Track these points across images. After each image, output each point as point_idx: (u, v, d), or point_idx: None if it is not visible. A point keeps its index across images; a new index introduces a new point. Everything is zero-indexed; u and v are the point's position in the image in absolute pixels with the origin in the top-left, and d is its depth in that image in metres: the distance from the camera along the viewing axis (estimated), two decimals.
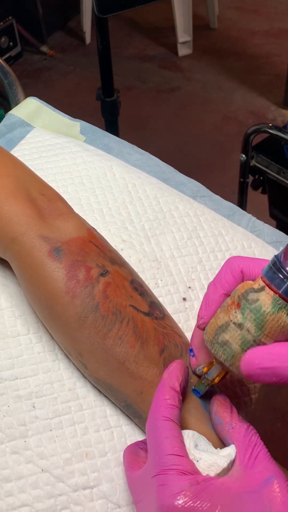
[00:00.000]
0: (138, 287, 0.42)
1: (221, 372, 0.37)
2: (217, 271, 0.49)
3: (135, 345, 0.39)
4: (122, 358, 0.39)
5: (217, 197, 0.57)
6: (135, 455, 0.37)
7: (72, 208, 0.45)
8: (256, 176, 1.02)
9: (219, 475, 0.33)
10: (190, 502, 0.30)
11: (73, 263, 0.40)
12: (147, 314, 0.41)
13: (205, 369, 0.38)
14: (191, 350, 0.40)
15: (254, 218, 0.56)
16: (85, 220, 0.45)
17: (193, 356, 0.39)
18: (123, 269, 0.43)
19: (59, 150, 0.57)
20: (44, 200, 0.43)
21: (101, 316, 0.39)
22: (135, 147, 0.60)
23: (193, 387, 0.39)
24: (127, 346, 0.39)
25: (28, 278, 0.41)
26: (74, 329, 0.40)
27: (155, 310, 0.42)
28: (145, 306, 0.41)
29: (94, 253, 0.41)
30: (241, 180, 1.03)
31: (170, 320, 0.43)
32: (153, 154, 0.60)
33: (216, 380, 0.37)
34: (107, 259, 0.42)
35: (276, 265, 0.33)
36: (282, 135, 0.91)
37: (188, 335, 0.45)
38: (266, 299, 0.33)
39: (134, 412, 0.40)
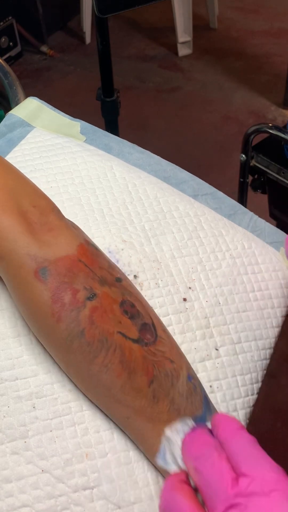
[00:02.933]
0: (129, 309, 0.40)
1: None
2: (217, 271, 0.49)
3: (122, 374, 0.38)
4: (108, 385, 0.38)
5: (220, 194, 0.57)
6: None
7: (65, 220, 0.43)
8: (256, 176, 1.02)
9: None
10: None
11: (59, 285, 0.39)
12: (136, 341, 0.39)
13: None
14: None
15: (256, 217, 0.56)
16: (79, 232, 0.44)
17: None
18: (114, 289, 0.41)
19: (60, 150, 0.57)
20: (35, 212, 0.42)
21: (86, 342, 0.38)
22: (136, 146, 0.60)
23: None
24: (113, 374, 0.38)
25: (16, 296, 0.41)
26: (62, 351, 0.39)
27: (145, 335, 0.40)
28: (135, 331, 0.39)
29: (82, 274, 0.40)
30: (241, 180, 1.03)
31: (162, 342, 0.41)
32: None
33: None
34: (96, 280, 0.40)
35: None
36: (282, 135, 0.91)
37: (189, 335, 0.45)
38: None
39: (124, 429, 0.40)
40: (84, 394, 0.41)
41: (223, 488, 0.31)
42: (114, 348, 0.38)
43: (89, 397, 0.40)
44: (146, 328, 0.40)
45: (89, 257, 0.41)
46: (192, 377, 0.41)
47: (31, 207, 0.42)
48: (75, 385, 0.41)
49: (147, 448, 0.38)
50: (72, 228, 0.43)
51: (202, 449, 0.34)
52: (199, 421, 0.38)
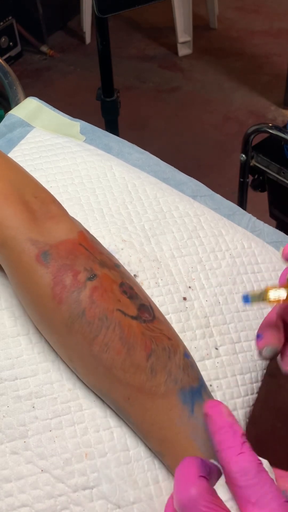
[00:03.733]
0: (128, 290, 0.41)
1: (285, 299, 0.36)
2: (217, 271, 0.49)
3: (121, 351, 0.38)
4: (109, 364, 0.38)
5: (218, 196, 0.57)
6: None
7: (65, 211, 0.44)
8: (256, 176, 1.02)
9: None
10: None
11: (61, 268, 0.39)
12: (135, 318, 0.40)
13: (269, 288, 0.37)
14: (258, 335, 0.40)
15: (254, 218, 0.56)
16: (79, 223, 0.44)
17: (260, 339, 0.40)
18: (113, 272, 0.42)
19: (59, 150, 0.57)
20: (36, 202, 0.43)
21: (87, 322, 0.38)
22: (135, 147, 0.60)
23: (244, 294, 0.39)
24: (113, 352, 0.38)
25: (17, 282, 0.41)
26: (62, 335, 0.39)
27: (143, 313, 0.41)
28: (134, 309, 0.40)
29: (83, 256, 0.41)
30: (241, 180, 1.03)
31: (160, 322, 0.42)
32: (153, 154, 0.60)
33: (274, 301, 0.36)
34: (96, 262, 0.41)
35: None
36: (282, 135, 0.91)
37: (188, 334, 0.45)
38: None
39: (124, 415, 0.40)
40: (85, 393, 0.41)
41: None
42: (114, 325, 0.39)
43: (90, 383, 0.40)
44: (144, 308, 0.41)
45: (89, 243, 0.42)
46: (189, 355, 0.41)
47: (32, 197, 0.43)
48: (75, 384, 0.41)
49: (150, 426, 0.38)
50: (72, 217, 0.44)
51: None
52: (195, 393, 0.39)
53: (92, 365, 0.39)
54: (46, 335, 0.41)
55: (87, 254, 0.41)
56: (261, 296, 0.37)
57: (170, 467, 0.39)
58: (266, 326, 0.41)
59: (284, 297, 0.36)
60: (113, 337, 0.38)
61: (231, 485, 0.32)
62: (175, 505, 0.32)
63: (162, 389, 0.38)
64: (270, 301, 0.36)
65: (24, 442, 0.39)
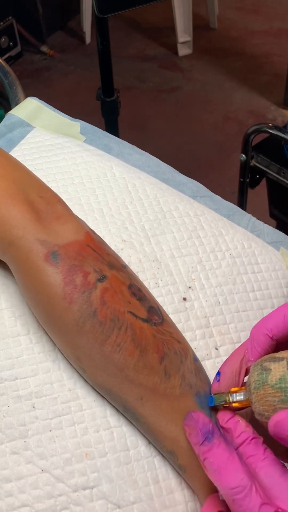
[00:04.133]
0: (137, 292, 0.41)
1: (246, 402, 0.36)
2: (217, 271, 0.49)
3: (134, 352, 0.38)
4: (121, 365, 0.38)
5: (218, 197, 0.57)
6: None
7: (71, 210, 0.44)
8: (256, 176, 1.02)
9: None
10: None
11: (70, 268, 0.39)
12: (146, 321, 0.40)
13: (234, 389, 0.37)
14: (218, 373, 0.39)
15: (254, 218, 0.56)
16: (84, 222, 0.45)
17: (218, 380, 0.39)
18: (121, 274, 0.42)
19: (59, 150, 0.57)
20: (42, 202, 0.43)
21: (99, 322, 0.38)
22: (135, 148, 0.60)
23: (211, 394, 0.39)
24: (125, 353, 0.38)
25: (25, 282, 0.41)
26: (72, 334, 0.39)
27: (153, 316, 0.41)
28: (144, 312, 0.40)
29: (91, 258, 0.41)
30: (241, 180, 1.03)
31: (168, 325, 0.42)
32: (153, 154, 0.60)
33: (236, 405, 0.36)
34: (105, 264, 0.41)
35: None
36: (282, 135, 0.91)
37: (188, 334, 0.45)
38: None
39: (132, 415, 0.39)
40: (86, 393, 0.41)
41: None
42: (125, 327, 0.39)
43: (99, 383, 0.40)
44: (153, 310, 0.41)
45: (96, 244, 0.42)
46: (197, 359, 0.42)
47: (38, 197, 0.43)
48: (75, 384, 0.41)
49: (162, 427, 0.38)
50: (77, 217, 0.44)
51: (236, 479, 0.33)
52: (207, 397, 0.39)
53: (102, 365, 0.39)
54: (52, 334, 0.41)
55: (95, 255, 0.41)
56: (223, 398, 0.37)
57: (182, 466, 0.39)
58: (227, 370, 0.39)
59: (244, 401, 0.36)
60: (125, 338, 0.38)
61: (261, 489, 0.33)
62: None
63: (178, 391, 0.39)
64: (232, 405, 0.36)
65: (24, 442, 0.39)
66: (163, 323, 0.41)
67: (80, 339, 0.39)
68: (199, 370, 0.41)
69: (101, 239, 0.45)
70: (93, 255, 0.41)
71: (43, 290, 0.40)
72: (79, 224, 0.43)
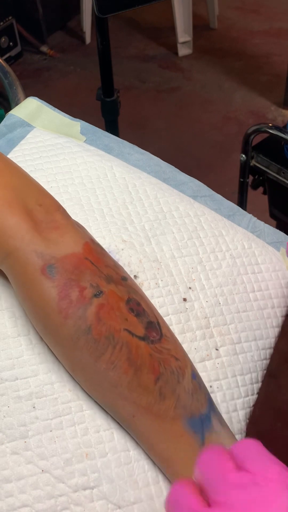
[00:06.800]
0: (135, 307, 0.40)
1: None
2: (217, 271, 0.49)
3: (129, 371, 0.38)
4: (115, 382, 0.38)
5: (218, 196, 0.57)
6: None
7: (70, 219, 0.44)
8: (256, 176, 1.03)
9: None
10: None
11: (67, 282, 0.39)
12: (143, 339, 0.39)
13: None
14: None
15: (254, 219, 0.56)
16: (84, 230, 0.44)
17: None
18: (120, 288, 0.41)
19: (60, 150, 0.57)
20: (41, 211, 0.42)
21: (93, 339, 0.38)
22: (136, 147, 0.60)
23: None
24: (120, 371, 0.38)
25: (22, 294, 0.41)
26: (67, 348, 0.39)
27: (151, 332, 0.40)
28: (141, 329, 0.40)
29: (89, 272, 0.40)
30: (241, 180, 1.03)
31: (167, 340, 0.41)
32: (153, 154, 0.60)
33: None
34: (102, 278, 0.40)
35: None
36: (282, 135, 0.91)
37: (189, 335, 0.45)
38: None
39: (129, 429, 0.40)
40: (86, 394, 0.41)
41: (224, 478, 0.30)
42: (121, 345, 0.38)
43: (94, 396, 0.40)
44: (152, 326, 0.41)
45: (95, 256, 0.41)
46: (196, 375, 0.41)
47: (36, 205, 0.42)
48: (76, 385, 0.41)
49: (153, 444, 0.39)
50: (77, 227, 0.43)
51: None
52: (204, 420, 0.39)
53: (97, 381, 0.39)
54: (50, 345, 0.41)
55: (93, 268, 0.40)
56: None
57: (172, 479, 0.39)
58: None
59: None
60: (120, 357, 0.38)
61: None
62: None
63: (171, 413, 0.38)
64: None
65: (25, 442, 0.39)
66: (161, 340, 0.40)
67: (75, 353, 0.39)
68: (197, 389, 0.40)
69: (102, 248, 0.44)
70: (91, 269, 0.40)
71: (39, 303, 0.39)
72: (78, 234, 0.42)
